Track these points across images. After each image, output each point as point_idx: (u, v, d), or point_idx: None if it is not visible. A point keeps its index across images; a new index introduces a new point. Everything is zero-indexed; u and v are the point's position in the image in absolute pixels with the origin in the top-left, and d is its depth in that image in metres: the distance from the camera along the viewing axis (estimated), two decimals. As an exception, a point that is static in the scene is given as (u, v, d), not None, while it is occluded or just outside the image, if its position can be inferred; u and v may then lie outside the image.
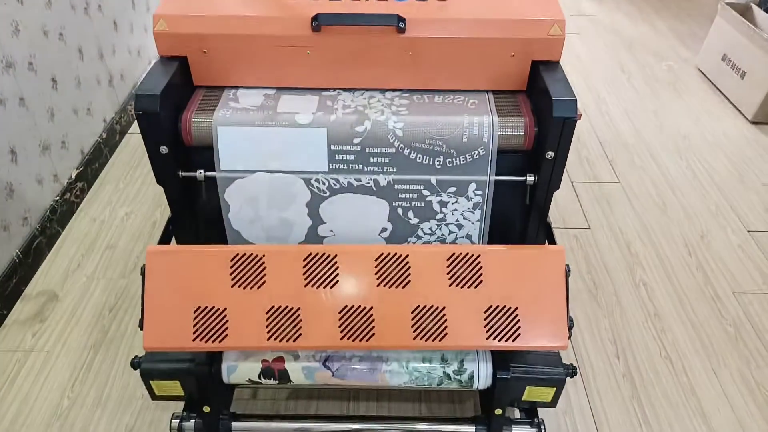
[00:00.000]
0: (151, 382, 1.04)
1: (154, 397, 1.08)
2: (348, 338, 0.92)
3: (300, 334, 0.92)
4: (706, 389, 1.31)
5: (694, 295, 1.54)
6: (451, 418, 1.16)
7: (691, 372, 1.35)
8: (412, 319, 0.92)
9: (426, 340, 0.92)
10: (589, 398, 1.29)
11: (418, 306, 0.92)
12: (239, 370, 1.04)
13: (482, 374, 1.03)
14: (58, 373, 1.32)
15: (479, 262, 0.93)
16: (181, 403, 1.17)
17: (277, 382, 1.04)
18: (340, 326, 0.92)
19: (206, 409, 1.07)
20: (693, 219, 1.79)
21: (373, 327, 0.92)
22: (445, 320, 0.92)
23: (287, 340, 0.92)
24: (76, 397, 1.27)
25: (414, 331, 0.92)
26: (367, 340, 0.92)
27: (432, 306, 0.92)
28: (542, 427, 1.10)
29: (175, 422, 1.10)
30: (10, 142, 1.47)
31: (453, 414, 1.26)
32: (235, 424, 1.11)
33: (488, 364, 1.04)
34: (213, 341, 0.92)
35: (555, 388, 1.04)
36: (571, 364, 1.03)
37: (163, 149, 0.94)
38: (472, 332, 0.92)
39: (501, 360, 1.04)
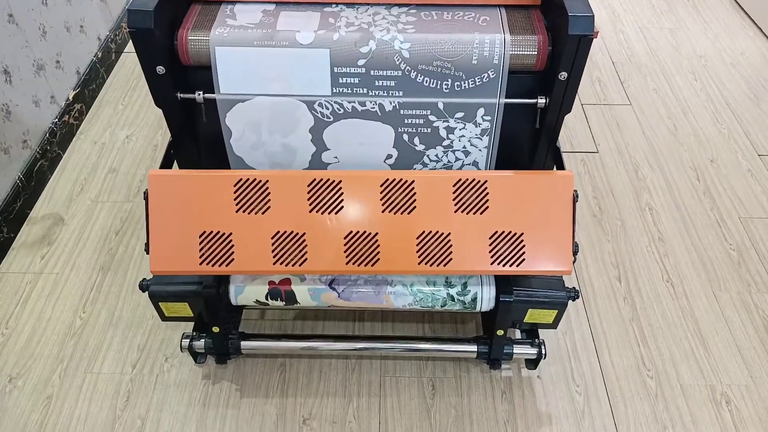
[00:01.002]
0: (160, 303, 1.06)
1: (163, 318, 1.11)
2: (353, 263, 0.92)
3: (306, 259, 0.92)
4: (705, 312, 1.33)
5: (700, 220, 1.53)
6: (453, 337, 1.19)
7: (691, 295, 1.37)
8: (417, 245, 0.92)
9: (431, 266, 0.92)
10: (590, 320, 1.31)
11: (423, 232, 0.92)
12: (246, 292, 1.06)
13: (485, 297, 1.05)
14: (68, 295, 1.34)
15: (485, 188, 0.92)
16: (191, 323, 1.20)
17: (284, 303, 1.06)
18: (345, 251, 0.92)
19: (215, 329, 1.10)
20: (704, 143, 1.76)
21: (379, 252, 0.92)
22: (450, 246, 0.92)
23: (293, 265, 0.92)
24: (88, 317, 1.30)
25: (419, 257, 0.92)
26: (372, 265, 0.92)
27: (437, 232, 0.92)
28: (542, 347, 1.13)
29: (186, 341, 1.13)
30: (2, 61, 1.42)
31: (456, 334, 1.29)
32: (244, 344, 1.15)
33: (491, 287, 1.05)
34: (219, 265, 0.92)
35: (557, 311, 1.06)
36: (574, 288, 1.05)
37: (160, 69, 0.91)
38: (477, 258, 0.92)
39: (504, 283, 1.05)
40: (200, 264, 0.92)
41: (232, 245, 0.92)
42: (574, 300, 1.05)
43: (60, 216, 1.52)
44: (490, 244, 0.92)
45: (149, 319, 1.31)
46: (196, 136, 1.05)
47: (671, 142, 1.76)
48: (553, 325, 1.10)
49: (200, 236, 0.92)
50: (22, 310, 1.32)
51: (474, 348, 1.14)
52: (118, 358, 1.24)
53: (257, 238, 0.92)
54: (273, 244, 0.92)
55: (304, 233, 0.92)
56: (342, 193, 0.92)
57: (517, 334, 1.22)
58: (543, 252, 0.92)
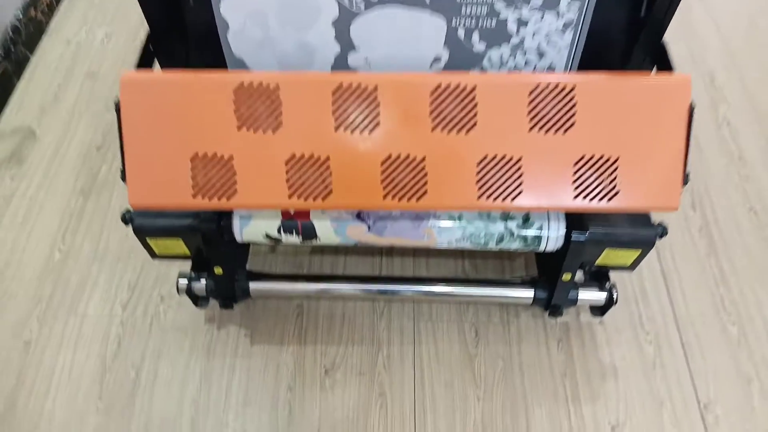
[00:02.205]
0: (148, 240, 0.86)
1: (154, 255, 0.91)
2: (392, 197, 0.71)
3: (330, 191, 0.70)
4: (793, 245, 1.13)
5: (786, 135, 1.29)
6: (503, 280, 1.00)
7: (776, 225, 1.16)
8: (478, 173, 0.70)
9: (494, 201, 0.71)
10: (660, 256, 1.11)
11: (486, 156, 0.70)
12: (254, 226, 0.85)
13: (552, 234, 0.84)
14: (45, 223, 1.14)
15: (572, 97, 0.68)
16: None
17: (300, 239, 0.86)
18: (382, 181, 0.70)
19: (218, 270, 0.90)
20: (790, 41, 1.48)
21: (426, 183, 0.70)
22: (522, 175, 0.70)
23: (314, 199, 0.71)
24: (68, 249, 1.11)
25: (479, 189, 0.70)
26: (417, 200, 0.71)
27: (504, 156, 0.70)
28: (614, 292, 0.94)
29: (183, 282, 0.94)
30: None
31: (501, 273, 1.09)
32: (252, 285, 0.96)
33: (560, 222, 0.84)
34: (219, 198, 0.71)
35: (640, 252, 0.86)
36: (661, 223, 0.83)
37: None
38: (556, 190, 0.70)
39: (575, 217, 0.83)
40: (194, 197, 0.71)
41: (234, 173, 0.70)
42: (661, 237, 0.84)
43: (31, 130, 1.28)
44: (575, 173, 0.70)
45: (141, 252, 1.10)
46: (183, 27, 0.80)
47: (753, 45, 1.48)
48: (631, 267, 0.90)
49: (192, 160, 0.70)
50: (-9, 240, 1.12)
51: (530, 293, 0.95)
52: (106, 297, 1.06)
53: (267, 163, 0.70)
54: (287, 172, 0.70)
55: (328, 158, 0.69)
56: (378, 104, 0.69)
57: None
58: (643, 183, 0.70)
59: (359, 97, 0.68)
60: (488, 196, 0.70)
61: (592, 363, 1.00)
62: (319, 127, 0.69)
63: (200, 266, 0.95)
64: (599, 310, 0.98)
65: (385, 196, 0.70)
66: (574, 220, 0.83)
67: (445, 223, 0.83)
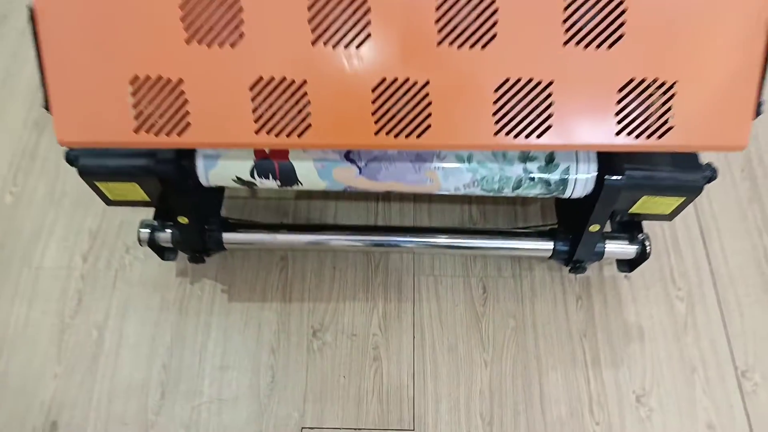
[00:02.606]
0: (96, 183, 0.72)
1: (108, 202, 0.78)
2: (387, 133, 0.56)
3: (308, 125, 0.56)
4: None
5: None
6: (518, 230, 0.86)
7: (829, 166, 1.01)
8: (496, 102, 0.55)
9: (515, 137, 0.56)
10: (695, 201, 0.97)
11: (507, 80, 0.54)
12: (222, 167, 0.71)
13: (581, 178, 0.70)
14: (-7, 161, 1.00)
15: (620, 2, 0.52)
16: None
17: (279, 183, 0.72)
18: (374, 112, 0.55)
19: (182, 219, 0.77)
20: None
21: (429, 115, 0.55)
22: (552, 105, 0.55)
23: (288, 135, 0.56)
24: (20, 192, 0.97)
25: (497, 123, 0.56)
26: (418, 137, 0.56)
27: (531, 80, 0.54)
28: (647, 245, 0.80)
29: (145, 232, 0.81)
30: None
31: (513, 221, 0.96)
32: (226, 236, 0.82)
33: (591, 163, 0.70)
34: (167, 134, 0.56)
35: (683, 199, 0.72)
36: (710, 164, 0.69)
37: None
38: (595, 124, 0.55)
39: (610, 156, 0.69)
40: (136, 131, 0.56)
41: (185, 101, 0.55)
42: (710, 182, 0.70)
43: (-25, 52, 1.12)
44: (620, 102, 0.55)
45: (103, 196, 0.97)
46: None
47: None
48: (670, 217, 0.77)
49: (132, 84, 0.55)
50: (-69, 182, 0.98)
51: (548, 245, 0.81)
52: (64, 247, 0.93)
53: (226, 88, 0.55)
54: (253, 100, 0.55)
55: (305, 82, 0.54)
56: (368, 11, 0.53)
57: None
58: (705, 115, 0.55)
59: (344, 1, 0.52)
60: (508, 132, 0.56)
61: (615, 323, 0.88)
62: (292, 41, 0.53)
63: (165, 213, 0.81)
64: (628, 265, 0.85)
65: (377, 132, 0.56)
66: (607, 161, 0.69)
67: (452, 165, 0.69)
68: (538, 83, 0.54)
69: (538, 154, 0.69)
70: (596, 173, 0.69)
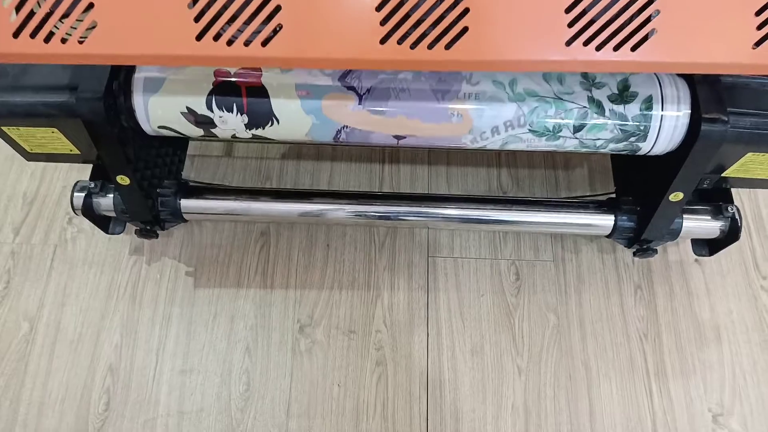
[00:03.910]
0: (4, 129, 0.53)
1: (27, 155, 0.59)
2: (400, 40, 0.36)
3: (279, 26, 0.36)
4: None
5: None
6: (565, 200, 0.67)
7: None
8: (571, -10, 0.35)
9: (599, 49, 0.36)
10: (784, 167, 0.78)
11: (591, -47, 0.34)
12: (165, 97, 0.51)
13: (669, 116, 0.50)
14: None
15: None
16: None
17: (246, 120, 0.52)
18: (379, 6, 0.36)
19: (123, 180, 0.57)
20: None
21: (466, 12, 0.36)
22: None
23: (246, 43, 0.36)
24: (-60, 148, 0.79)
25: (570, 24, 0.36)
26: (446, 47, 0.36)
27: (629, -48, 0.34)
28: (737, 219, 0.61)
29: (79, 197, 0.62)
30: None
31: (554, 190, 0.76)
32: (186, 203, 0.63)
33: (682, 100, 0.50)
34: (63, 40, 0.37)
35: (802, 159, 0.52)
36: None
37: None
38: (723, 32, 0.36)
39: (705, 95, 0.49)
40: (15, 36, 0.37)
41: (86, -15, 0.35)
42: (842, 134, 0.50)
43: None
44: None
45: (43, 154, 0.78)
46: None
47: None
48: (774, 183, 0.57)
49: (3, -40, 0.35)
50: None
51: (608, 220, 0.62)
52: (-9, 217, 0.75)
53: (147, -37, 0.35)
54: (191, -17, 0.35)
55: (272, -47, 0.35)
56: None
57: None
58: None
59: None
60: (589, 40, 0.36)
61: (685, 320, 0.69)
62: None
63: (104, 172, 0.62)
64: (708, 246, 0.65)
65: (385, 39, 0.36)
66: (705, 101, 0.49)
67: (489, 90, 0.49)
68: (640, -41, 0.34)
69: (607, 79, 0.49)
70: (690, 115, 0.50)
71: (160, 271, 0.71)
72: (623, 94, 0.49)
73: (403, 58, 0.36)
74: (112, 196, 0.62)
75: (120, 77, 0.51)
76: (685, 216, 0.61)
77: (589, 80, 0.50)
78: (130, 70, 0.51)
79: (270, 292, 0.70)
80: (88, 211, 0.62)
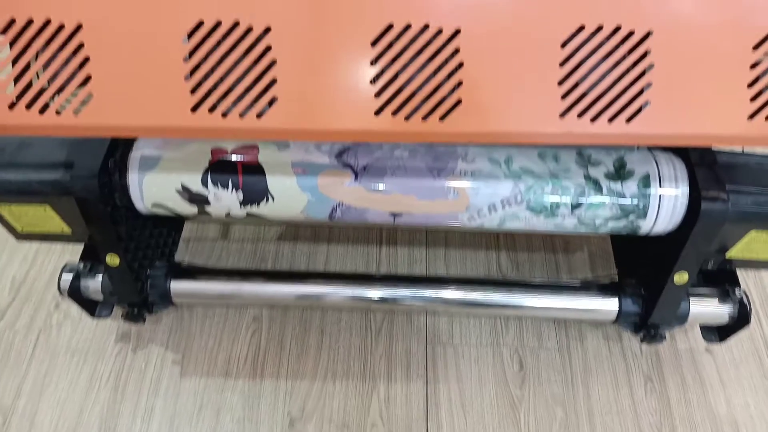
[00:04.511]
0: (-5, 207, 0.53)
1: (17, 234, 0.58)
2: (394, 112, 0.36)
3: (274, 99, 0.36)
4: None
5: None
6: (566, 284, 0.65)
7: None
8: (564, 64, 0.36)
9: (594, 120, 0.36)
10: (787, 253, 0.76)
11: (582, 27, 0.35)
12: (162, 174, 0.51)
13: (668, 194, 0.49)
14: None
15: None
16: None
17: (242, 197, 0.51)
18: (374, 79, 0.36)
19: (112, 260, 0.56)
20: None
21: (460, 84, 0.36)
22: (651, 66, 0.35)
23: (241, 115, 0.37)
24: (-67, 232, 0.78)
25: (564, 96, 0.36)
26: (441, 119, 0.36)
27: (619, 28, 0.35)
28: (746, 303, 0.59)
29: (67, 278, 0.60)
30: None
31: (554, 272, 0.75)
32: (176, 285, 0.61)
33: (680, 179, 0.49)
34: (58, 111, 0.37)
35: (809, 238, 0.51)
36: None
37: None
38: (719, 101, 0.36)
39: (704, 172, 0.49)
40: (10, 108, 0.37)
41: (86, 57, 0.36)
42: None
43: None
44: (755, 66, 0.35)
45: (36, 238, 0.77)
46: None
47: None
48: (784, 264, 0.56)
49: (6, 33, 0.36)
50: None
51: (612, 304, 0.60)
52: (-25, 301, 0.72)
53: (147, 39, 0.36)
54: (190, 56, 0.36)
55: (268, 29, 0.35)
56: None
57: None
58: None
59: None
60: (583, 112, 0.36)
61: (700, 413, 0.65)
62: (252, -31, 0.35)
63: (94, 253, 0.61)
64: (717, 331, 0.63)
65: (379, 111, 0.36)
66: (704, 179, 0.49)
67: (485, 168, 0.49)
68: (629, 34, 0.35)
69: (602, 157, 0.49)
70: (688, 193, 0.49)
71: (145, 360, 0.68)
72: (620, 172, 0.49)
73: (398, 130, 0.36)
74: (100, 277, 0.60)
75: (116, 155, 0.51)
76: (691, 299, 0.59)
77: (584, 158, 0.50)
78: (127, 148, 0.51)
79: (260, 382, 0.67)
80: (75, 293, 0.60)
